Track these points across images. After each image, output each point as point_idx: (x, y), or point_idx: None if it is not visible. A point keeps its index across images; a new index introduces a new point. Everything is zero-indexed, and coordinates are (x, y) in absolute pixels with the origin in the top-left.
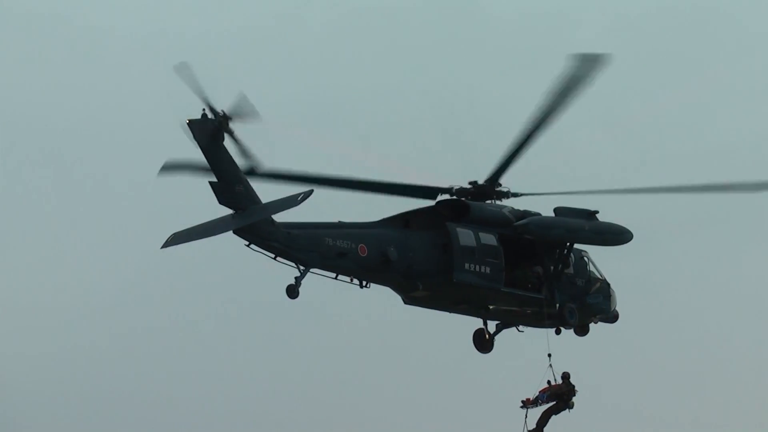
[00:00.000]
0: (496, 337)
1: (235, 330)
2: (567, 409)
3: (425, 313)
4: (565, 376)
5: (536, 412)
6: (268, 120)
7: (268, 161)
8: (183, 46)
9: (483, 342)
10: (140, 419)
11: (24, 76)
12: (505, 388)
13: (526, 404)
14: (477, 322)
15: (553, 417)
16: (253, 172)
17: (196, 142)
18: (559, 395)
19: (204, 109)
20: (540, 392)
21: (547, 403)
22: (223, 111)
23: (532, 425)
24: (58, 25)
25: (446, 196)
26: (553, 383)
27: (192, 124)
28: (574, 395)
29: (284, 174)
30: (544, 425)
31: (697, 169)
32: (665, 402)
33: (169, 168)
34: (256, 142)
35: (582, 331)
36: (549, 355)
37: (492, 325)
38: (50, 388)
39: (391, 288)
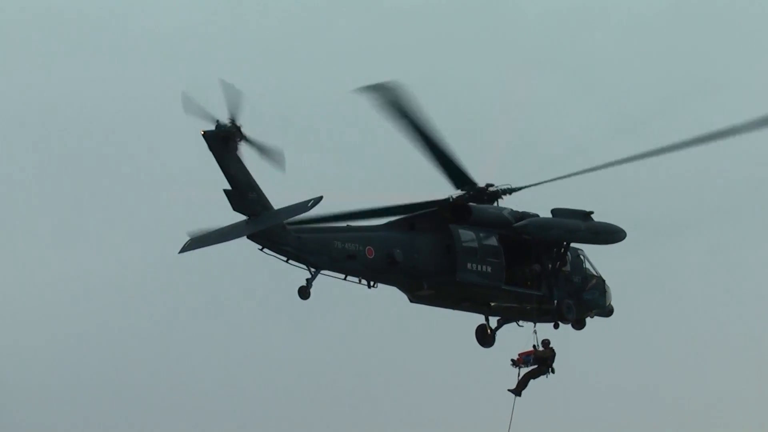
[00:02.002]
0: (498, 332)
1: (250, 329)
2: (547, 374)
3: (430, 310)
4: (546, 343)
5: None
6: (278, 126)
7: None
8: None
9: (485, 337)
10: (152, 416)
11: (44, 78)
12: (505, 380)
13: (518, 363)
14: (479, 318)
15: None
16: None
17: (211, 152)
18: (543, 359)
19: (217, 120)
20: (525, 355)
21: (533, 366)
22: (233, 121)
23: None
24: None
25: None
26: (538, 349)
27: (206, 135)
28: (554, 360)
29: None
30: (524, 387)
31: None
32: (658, 392)
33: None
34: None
35: (579, 325)
36: (534, 329)
37: (493, 321)
38: (64, 390)
39: (397, 287)
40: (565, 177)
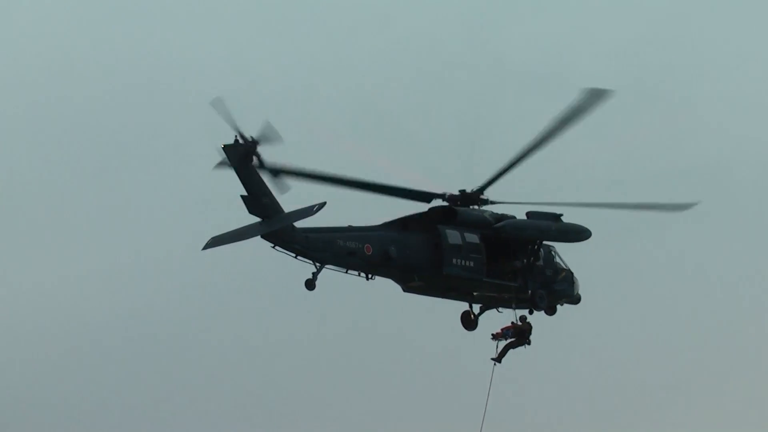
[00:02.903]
0: (480, 318)
1: (264, 316)
2: (525, 345)
3: (421, 299)
4: (523, 318)
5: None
6: (284, 128)
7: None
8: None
9: (469, 321)
10: (172, 391)
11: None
12: (486, 358)
13: (497, 337)
14: (464, 306)
15: (511, 351)
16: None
17: (229, 163)
18: (522, 332)
19: (236, 135)
20: (505, 329)
21: (511, 338)
22: (251, 137)
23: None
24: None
25: (439, 201)
26: (517, 323)
27: (226, 149)
28: (531, 333)
29: (303, 172)
30: (504, 356)
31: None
32: (617, 369)
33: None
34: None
35: (551, 311)
36: (513, 306)
37: (476, 308)
38: (85, 386)
39: (392, 279)
40: (539, 203)
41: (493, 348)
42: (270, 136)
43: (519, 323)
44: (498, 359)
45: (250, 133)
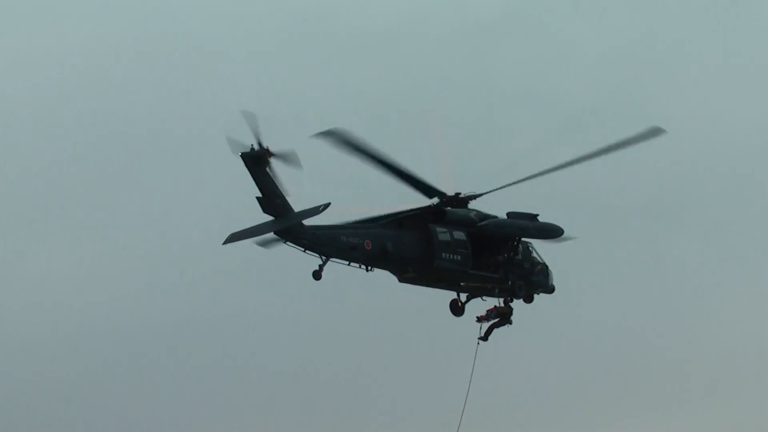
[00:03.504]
0: (467, 305)
1: (276, 302)
2: (507, 325)
3: (414, 288)
4: (506, 301)
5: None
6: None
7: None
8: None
9: (456, 308)
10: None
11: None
12: (471, 340)
13: (481, 320)
14: (452, 294)
15: (495, 330)
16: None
17: (246, 167)
18: (503, 314)
19: (252, 144)
20: (489, 311)
21: (495, 319)
22: (267, 146)
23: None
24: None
25: (434, 200)
26: (499, 306)
27: (243, 155)
28: (512, 314)
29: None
30: (489, 334)
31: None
32: (586, 349)
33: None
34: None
35: (528, 299)
36: (496, 293)
37: (463, 297)
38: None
39: (389, 271)
40: (517, 182)
41: (477, 331)
42: (292, 161)
43: (501, 306)
44: (484, 338)
45: (272, 145)
